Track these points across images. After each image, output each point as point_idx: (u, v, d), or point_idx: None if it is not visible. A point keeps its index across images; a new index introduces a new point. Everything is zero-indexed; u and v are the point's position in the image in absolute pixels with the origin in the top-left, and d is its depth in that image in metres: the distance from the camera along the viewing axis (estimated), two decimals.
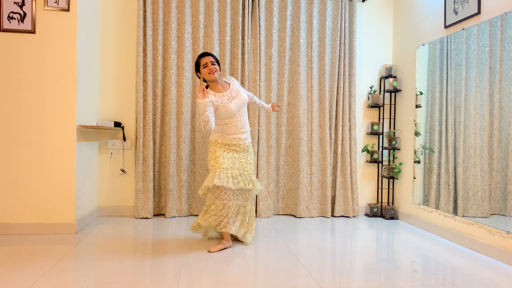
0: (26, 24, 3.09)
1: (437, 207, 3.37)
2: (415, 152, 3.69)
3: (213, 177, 2.74)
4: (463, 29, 3.09)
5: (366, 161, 4.17)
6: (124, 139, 3.82)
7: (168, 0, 3.77)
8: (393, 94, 4.10)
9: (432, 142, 3.45)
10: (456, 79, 3.17)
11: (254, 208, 3.63)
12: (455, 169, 3.18)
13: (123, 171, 3.85)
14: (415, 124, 3.69)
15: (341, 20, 4.00)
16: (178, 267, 2.40)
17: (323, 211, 3.99)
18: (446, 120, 3.28)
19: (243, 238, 2.93)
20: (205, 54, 2.84)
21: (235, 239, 3.07)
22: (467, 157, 3.04)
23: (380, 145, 4.17)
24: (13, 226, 3.09)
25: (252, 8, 3.91)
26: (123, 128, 3.82)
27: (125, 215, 3.84)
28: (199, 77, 2.91)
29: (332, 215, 4.03)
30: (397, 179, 4.02)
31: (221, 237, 3.09)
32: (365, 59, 4.19)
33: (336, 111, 4.05)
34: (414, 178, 3.69)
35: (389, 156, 4.09)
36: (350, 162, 4.02)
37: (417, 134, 3.67)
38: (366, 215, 4.12)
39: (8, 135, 3.09)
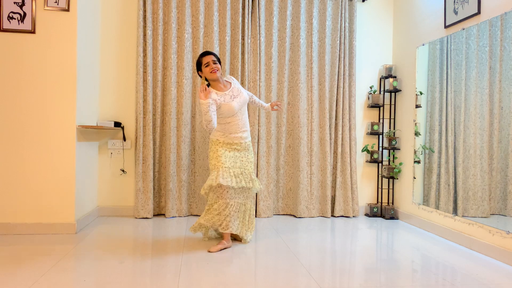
0: (26, 24, 3.09)
1: (437, 207, 3.37)
2: (415, 152, 3.69)
3: (217, 176, 2.75)
4: (463, 29, 3.09)
5: (366, 161, 4.17)
6: (124, 139, 3.82)
7: (168, 0, 3.77)
8: (393, 94, 4.10)
9: (432, 142, 3.45)
10: (456, 79, 3.17)
11: (254, 207, 3.65)
12: (455, 169, 3.18)
13: (123, 171, 3.85)
14: (415, 124, 3.69)
15: (341, 20, 4.00)
16: (178, 267, 2.40)
17: (323, 211, 3.99)
18: (446, 120, 3.28)
19: (243, 236, 2.94)
20: (206, 53, 2.85)
21: (234, 239, 3.07)
22: (467, 157, 3.04)
23: (380, 145, 4.17)
24: (13, 226, 3.09)
25: (252, 8, 3.91)
26: (123, 128, 3.82)
27: (125, 215, 3.84)
28: (201, 76, 2.91)
29: (332, 215, 4.03)
30: (397, 179, 4.02)
31: (220, 237, 3.10)
32: (365, 59, 4.19)
33: (336, 111, 4.05)
34: (414, 178, 3.69)
35: (389, 156, 4.09)
36: (350, 162, 4.02)
37: (417, 134, 3.67)
38: (366, 215, 4.12)
39: (8, 135, 3.09)
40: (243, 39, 3.89)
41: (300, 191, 3.90)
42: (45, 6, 3.10)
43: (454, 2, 3.19)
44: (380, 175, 4.17)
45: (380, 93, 4.17)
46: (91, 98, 3.59)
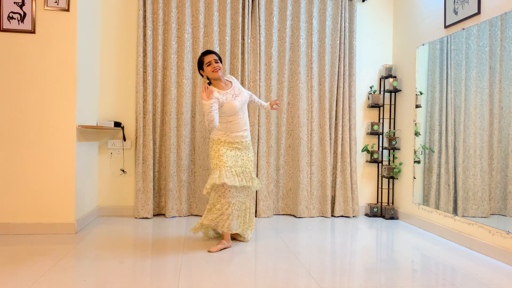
0: (26, 24, 3.09)
1: (437, 207, 3.37)
2: (415, 152, 3.69)
3: (220, 175, 2.75)
4: (463, 29, 3.09)
5: (366, 161, 4.17)
6: (124, 139, 3.82)
7: (168, 0, 3.77)
8: (393, 94, 4.10)
9: (432, 142, 3.45)
10: (456, 79, 3.17)
11: (254, 205, 3.65)
12: (455, 169, 3.18)
13: (123, 171, 3.85)
14: (415, 124, 3.69)
15: (341, 20, 4.00)
16: (178, 267, 2.40)
17: (323, 211, 3.99)
18: (446, 120, 3.28)
19: (244, 235, 2.95)
20: (208, 52, 2.86)
21: (234, 238, 3.07)
22: (467, 157, 3.04)
23: (380, 145, 4.17)
24: (13, 226, 3.09)
25: (252, 8, 3.91)
26: (123, 128, 3.82)
27: (125, 215, 3.84)
28: (202, 75, 2.92)
29: (332, 215, 4.03)
30: (397, 179, 4.02)
31: (219, 236, 3.10)
32: (365, 59, 4.19)
33: (336, 111, 4.05)
34: (414, 178, 3.69)
35: (389, 156, 4.09)
36: (350, 162, 4.02)
37: (417, 134, 3.67)
38: (366, 215, 4.12)
39: (8, 135, 3.09)
40: (243, 39, 3.89)
41: (300, 191, 3.90)
42: (45, 6, 3.10)
43: (454, 2, 3.19)
44: (380, 175, 4.17)
45: (380, 93, 4.17)
46: (91, 98, 3.59)
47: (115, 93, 3.84)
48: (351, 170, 4.02)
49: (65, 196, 3.15)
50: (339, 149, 4.02)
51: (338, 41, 3.99)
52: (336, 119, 4.05)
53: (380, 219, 3.95)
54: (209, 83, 2.90)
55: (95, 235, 3.12)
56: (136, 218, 3.74)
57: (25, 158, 3.11)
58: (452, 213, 3.18)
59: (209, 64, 2.83)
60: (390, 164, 4.05)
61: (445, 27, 3.31)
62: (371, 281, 2.23)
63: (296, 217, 3.94)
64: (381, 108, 4.13)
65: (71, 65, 3.15)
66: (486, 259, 2.70)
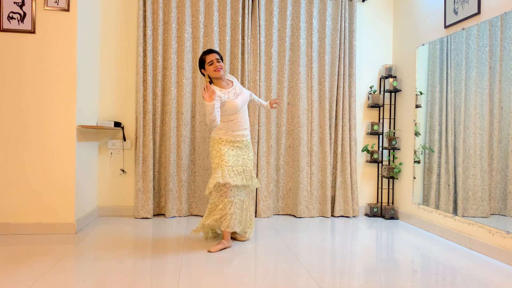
0: (26, 24, 3.09)
1: (437, 207, 3.37)
2: (415, 152, 3.69)
3: (223, 175, 2.76)
4: (463, 29, 3.09)
5: (366, 161, 4.17)
6: (124, 139, 3.82)
7: (168, 0, 3.77)
8: (393, 94, 4.10)
9: (432, 142, 3.45)
10: (456, 79, 3.17)
11: (254, 204, 3.65)
12: (455, 169, 3.18)
13: (123, 171, 3.85)
14: (415, 124, 3.69)
15: (341, 20, 4.00)
16: (178, 267, 2.40)
17: (323, 211, 3.99)
18: (446, 120, 3.28)
19: (243, 233, 2.96)
20: (210, 51, 2.86)
21: (233, 238, 3.07)
22: (467, 157, 3.04)
23: (380, 145, 4.17)
24: (13, 226, 3.09)
25: (252, 8, 3.91)
26: (123, 128, 3.82)
27: (125, 215, 3.84)
28: (204, 74, 2.92)
29: (332, 215, 4.03)
30: (397, 179, 4.02)
31: (217, 235, 3.10)
32: (365, 59, 4.19)
33: (336, 111, 4.05)
34: (414, 178, 3.69)
35: (389, 156, 4.09)
36: (350, 162, 4.02)
37: (417, 134, 3.67)
38: (366, 215, 4.12)
39: (8, 135, 3.09)
40: (243, 39, 3.89)
41: (300, 191, 3.90)
42: (45, 6, 3.10)
43: (454, 2, 3.19)
44: (380, 175, 4.17)
45: (380, 93, 4.17)
46: (91, 98, 3.59)
47: (115, 93, 3.84)
48: (351, 170, 4.02)
49: (65, 196, 3.15)
50: (339, 149, 4.02)
51: (338, 41, 3.99)
52: (336, 119, 4.05)
53: (380, 219, 3.95)
54: (210, 82, 2.90)
55: (95, 235, 3.12)
56: (136, 218, 3.74)
57: (25, 158, 3.11)
58: (452, 213, 3.18)
59: (211, 63, 2.83)
60: (390, 164, 4.05)
61: (445, 27, 3.31)
62: (371, 281, 2.23)
63: (296, 217, 3.94)
64: (381, 108, 4.13)
65: (71, 65, 3.15)
66: (486, 259, 2.70)
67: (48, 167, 3.13)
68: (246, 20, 3.85)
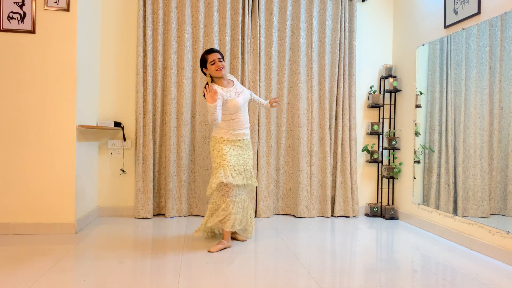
0: (26, 24, 3.09)
1: (437, 207, 3.37)
2: (415, 152, 3.69)
3: (226, 174, 2.76)
4: (463, 29, 3.09)
5: (366, 161, 4.17)
6: (124, 139, 3.82)
7: (168, 0, 3.77)
8: (393, 94, 4.10)
9: (432, 142, 3.45)
10: (456, 79, 3.17)
11: (254, 204, 3.65)
12: (455, 169, 3.18)
13: (123, 171, 3.85)
14: (415, 124, 3.69)
15: (341, 20, 4.00)
16: (178, 267, 2.40)
17: (323, 211, 3.99)
18: (446, 120, 3.28)
19: (244, 233, 2.96)
20: (212, 51, 2.87)
21: (233, 238, 3.07)
22: (467, 157, 3.04)
23: (380, 145, 4.17)
24: (13, 226, 3.09)
25: (252, 8, 3.91)
26: (123, 128, 3.82)
27: (125, 215, 3.84)
28: (205, 73, 2.92)
29: (332, 215, 4.03)
30: (397, 179, 4.02)
31: (214, 234, 3.10)
32: (365, 59, 4.19)
33: (336, 111, 4.05)
34: (414, 178, 3.69)
35: (389, 156, 4.09)
36: (350, 162, 4.02)
37: (417, 134, 3.67)
38: (366, 215, 4.12)
39: (8, 135, 3.09)
40: (243, 39, 3.89)
41: (300, 191, 3.90)
42: (45, 6, 3.10)
43: (454, 2, 3.19)
44: (380, 175, 4.17)
45: (380, 93, 4.17)
46: (91, 98, 3.59)
47: (115, 93, 3.84)
48: (351, 170, 4.02)
49: (65, 196, 3.15)
50: (339, 149, 4.02)
51: (338, 41, 3.99)
52: (336, 119, 4.05)
53: (380, 219, 3.95)
54: (211, 81, 2.91)
55: (95, 235, 3.12)
56: (136, 218, 3.74)
57: (25, 158, 3.11)
58: (452, 213, 3.18)
59: (213, 62, 2.83)
60: (390, 164, 4.05)
61: (445, 27, 3.31)
62: (371, 281, 2.23)
63: (296, 217, 3.94)
64: (381, 108, 4.13)
65: (71, 65, 3.15)
66: (486, 259, 2.70)
67: (48, 167, 3.13)
68: (246, 20, 3.85)
